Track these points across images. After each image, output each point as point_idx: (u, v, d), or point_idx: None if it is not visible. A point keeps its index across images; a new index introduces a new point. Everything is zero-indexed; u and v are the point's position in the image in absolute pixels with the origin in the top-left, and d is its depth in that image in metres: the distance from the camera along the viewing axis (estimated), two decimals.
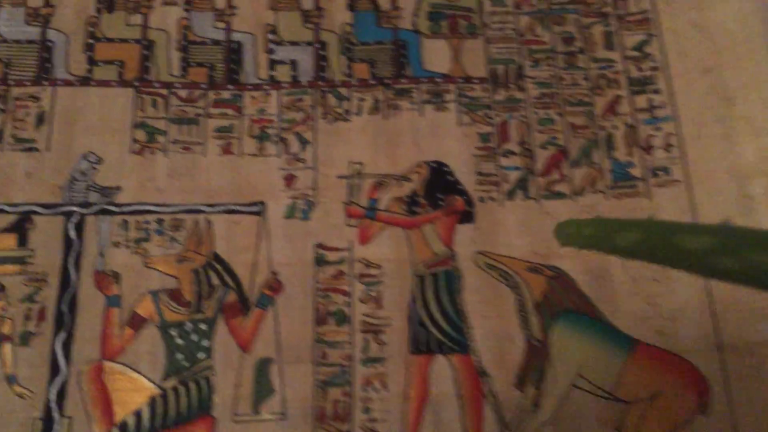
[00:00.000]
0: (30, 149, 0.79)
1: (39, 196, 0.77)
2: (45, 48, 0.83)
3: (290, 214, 0.79)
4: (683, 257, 0.33)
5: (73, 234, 0.76)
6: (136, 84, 0.83)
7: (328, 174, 0.80)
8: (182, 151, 0.81)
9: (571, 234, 0.44)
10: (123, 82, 0.82)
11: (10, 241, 0.75)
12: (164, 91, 0.83)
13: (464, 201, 0.79)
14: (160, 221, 0.78)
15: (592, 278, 0.76)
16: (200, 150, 0.81)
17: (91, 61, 0.83)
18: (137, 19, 0.86)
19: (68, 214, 0.77)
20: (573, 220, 0.58)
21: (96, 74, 0.82)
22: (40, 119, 0.80)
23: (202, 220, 0.78)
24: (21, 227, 0.76)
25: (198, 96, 0.83)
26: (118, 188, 0.78)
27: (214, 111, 0.83)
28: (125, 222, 0.77)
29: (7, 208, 0.76)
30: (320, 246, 0.77)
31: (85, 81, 0.82)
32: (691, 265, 0.33)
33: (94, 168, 0.79)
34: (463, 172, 0.81)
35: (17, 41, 0.83)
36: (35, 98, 0.81)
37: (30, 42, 0.83)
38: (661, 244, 0.34)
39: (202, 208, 0.78)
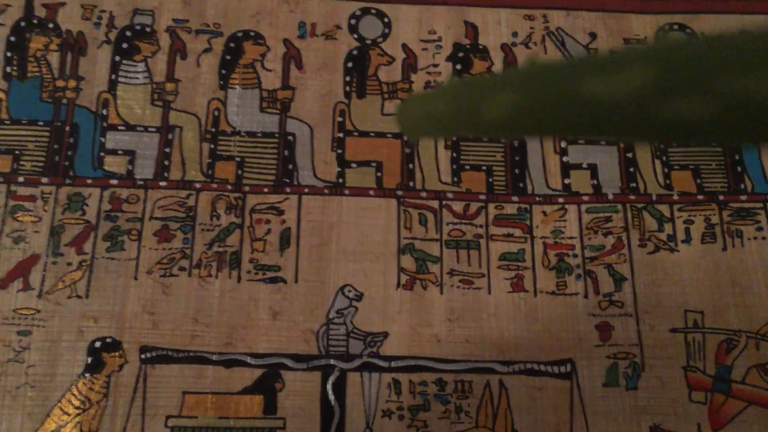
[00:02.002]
0: (274, 280, 0.61)
1: (288, 344, 0.60)
2: (285, 143, 0.66)
3: (611, 380, 0.59)
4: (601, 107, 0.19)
5: (332, 397, 0.59)
6: (400, 193, 0.65)
7: (656, 326, 0.61)
8: (461, 285, 0.62)
9: (416, 117, 0.27)
10: (383, 191, 0.64)
11: (254, 405, 0.58)
12: (434, 204, 0.65)
13: None
14: (440, 383, 0.59)
15: None
16: (483, 284, 0.62)
17: (342, 162, 0.65)
18: (394, 106, 0.68)
19: (326, 370, 0.59)
20: (418, 94, 0.39)
21: (349, 179, 0.65)
22: (286, 239, 0.62)
23: (495, 384, 0.59)
24: (268, 386, 0.59)
25: (476, 211, 0.65)
26: (384, 335, 0.61)
27: (496, 231, 0.64)
28: (396, 383, 0.59)
29: (250, 360, 0.59)
30: (657, 429, 0.58)
31: (336, 188, 0.64)
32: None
33: (353, 306, 0.61)
34: None
35: (251, 134, 0.66)
36: (277, 211, 0.63)
37: (267, 135, 0.66)
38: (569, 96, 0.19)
39: (494, 366, 0.60)
